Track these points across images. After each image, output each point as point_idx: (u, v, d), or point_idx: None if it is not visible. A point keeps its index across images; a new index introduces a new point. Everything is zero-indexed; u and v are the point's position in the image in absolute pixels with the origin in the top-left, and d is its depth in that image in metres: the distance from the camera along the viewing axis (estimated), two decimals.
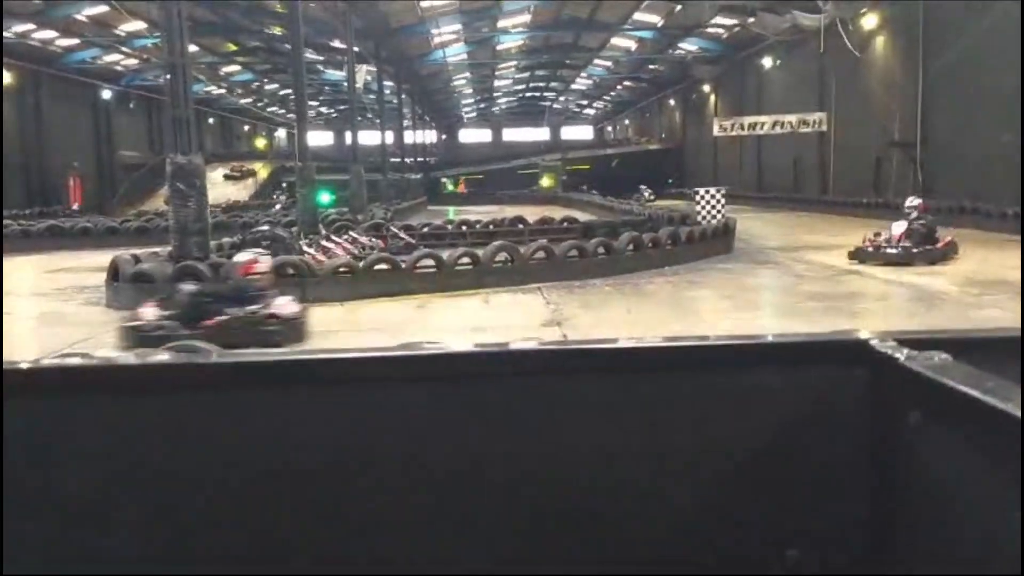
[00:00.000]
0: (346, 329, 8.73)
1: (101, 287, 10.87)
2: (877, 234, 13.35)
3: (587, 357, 1.00)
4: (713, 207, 17.83)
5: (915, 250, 12.73)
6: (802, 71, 31.08)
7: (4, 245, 16.35)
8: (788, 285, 11.59)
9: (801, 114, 26.59)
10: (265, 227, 13.42)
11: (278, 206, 29.47)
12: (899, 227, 13.13)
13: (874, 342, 0.93)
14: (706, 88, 45.18)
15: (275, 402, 0.95)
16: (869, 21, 26.35)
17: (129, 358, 1.12)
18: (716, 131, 27.17)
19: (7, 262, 13.25)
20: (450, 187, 54.34)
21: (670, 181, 46.22)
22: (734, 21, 33.47)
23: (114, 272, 10.53)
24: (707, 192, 18.36)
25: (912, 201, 13.80)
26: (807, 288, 11.06)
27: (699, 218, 17.56)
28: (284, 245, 11.30)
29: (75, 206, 33.05)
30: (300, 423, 0.94)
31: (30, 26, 29.87)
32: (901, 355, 0.88)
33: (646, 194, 34.85)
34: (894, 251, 12.78)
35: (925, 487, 0.85)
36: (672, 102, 53.63)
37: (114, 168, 39.62)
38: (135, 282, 10.14)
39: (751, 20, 30.48)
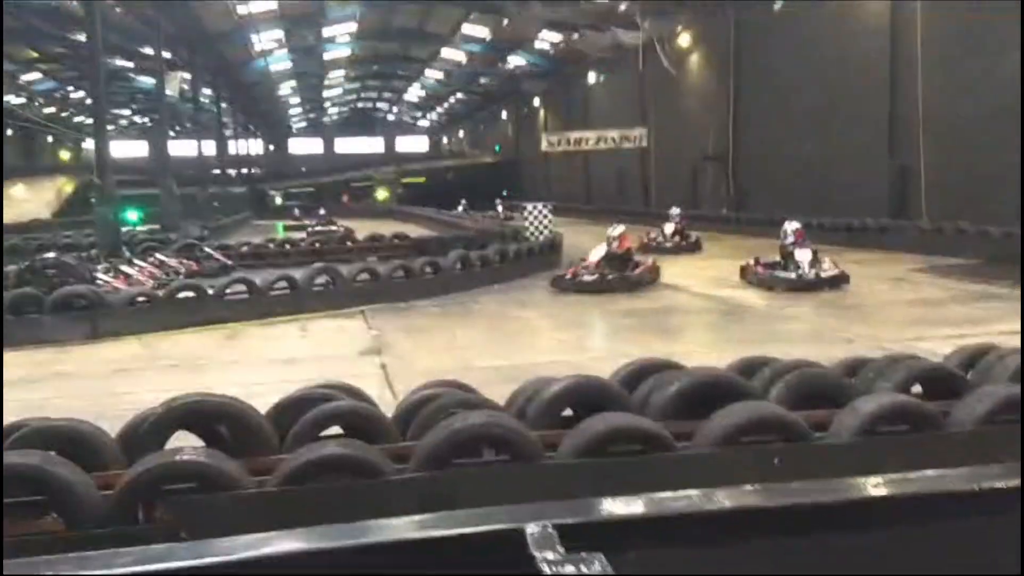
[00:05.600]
0: (135, 367, 7.91)
1: None
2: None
3: None
4: (541, 222, 17.95)
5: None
6: (624, 87, 32.19)
7: None
8: (608, 300, 11.69)
9: (623, 129, 27.45)
10: (51, 254, 12.16)
11: None
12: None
13: None
14: (536, 102, 46.07)
15: None
16: (684, 39, 27.56)
17: None
18: (544, 146, 27.60)
19: None
20: (279, 200, 52.58)
21: (505, 193, 46.77)
22: (559, 37, 34.25)
23: None
24: (534, 207, 18.46)
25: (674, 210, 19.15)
26: (624, 305, 11.19)
27: (528, 234, 17.62)
28: (73, 272, 10.24)
29: None
30: None
31: None
32: None
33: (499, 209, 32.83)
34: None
35: None
36: (504, 115, 54.38)
37: None
38: None
39: (575, 36, 31.27)
